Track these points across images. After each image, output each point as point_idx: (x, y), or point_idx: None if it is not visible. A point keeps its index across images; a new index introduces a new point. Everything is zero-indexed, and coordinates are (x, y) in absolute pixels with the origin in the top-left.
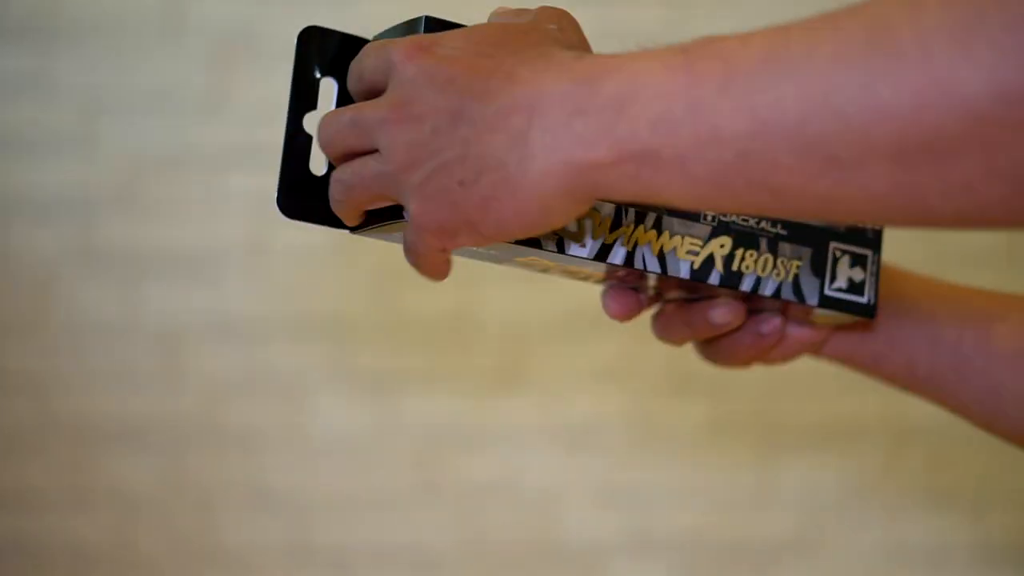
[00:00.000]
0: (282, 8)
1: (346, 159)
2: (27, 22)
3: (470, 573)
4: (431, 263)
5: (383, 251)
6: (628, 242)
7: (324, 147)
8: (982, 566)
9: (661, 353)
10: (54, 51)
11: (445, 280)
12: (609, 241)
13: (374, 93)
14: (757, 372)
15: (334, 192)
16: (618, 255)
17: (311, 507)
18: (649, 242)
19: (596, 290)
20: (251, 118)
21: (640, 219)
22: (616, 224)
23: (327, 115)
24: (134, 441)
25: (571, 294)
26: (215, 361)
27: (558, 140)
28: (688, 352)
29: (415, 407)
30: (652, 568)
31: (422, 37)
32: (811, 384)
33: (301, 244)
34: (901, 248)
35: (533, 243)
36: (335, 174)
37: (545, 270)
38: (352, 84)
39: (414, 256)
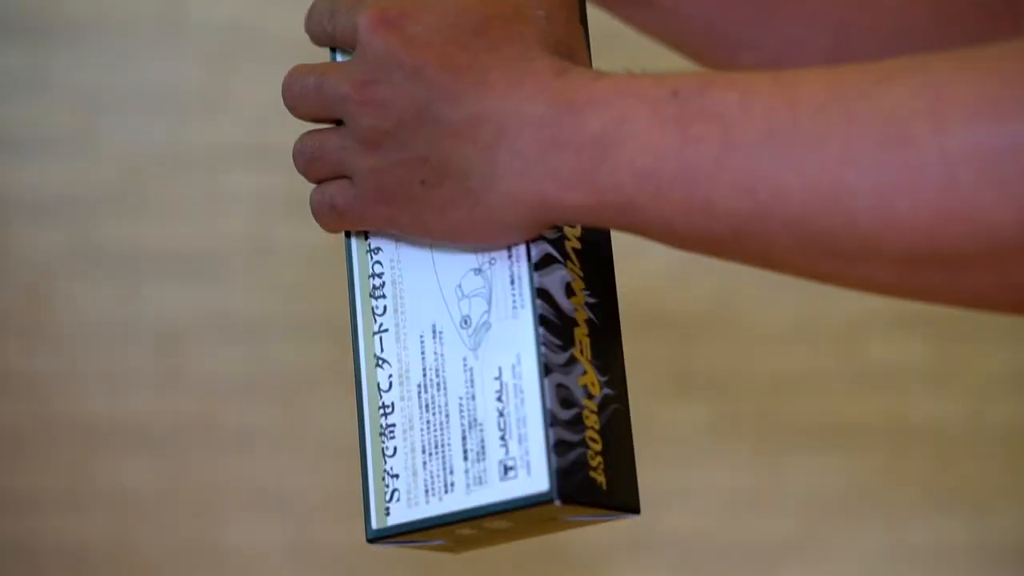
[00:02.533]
0: (282, 8)
1: (311, 119)
2: (25, 20)
3: (470, 573)
4: (346, 227)
5: None
6: None
7: (288, 104)
8: (983, 567)
9: (662, 353)
10: (52, 49)
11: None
12: None
13: (337, 44)
14: (758, 373)
15: (296, 162)
16: None
17: (311, 507)
18: None
19: None
20: (251, 118)
21: None
22: None
23: (294, 69)
24: (134, 441)
25: None
26: (215, 361)
27: (529, 169)
28: (689, 352)
29: None
30: (652, 568)
31: (391, 5)
32: (812, 385)
33: (301, 244)
34: None
35: None
36: (296, 144)
37: None
38: (314, 25)
39: (337, 215)
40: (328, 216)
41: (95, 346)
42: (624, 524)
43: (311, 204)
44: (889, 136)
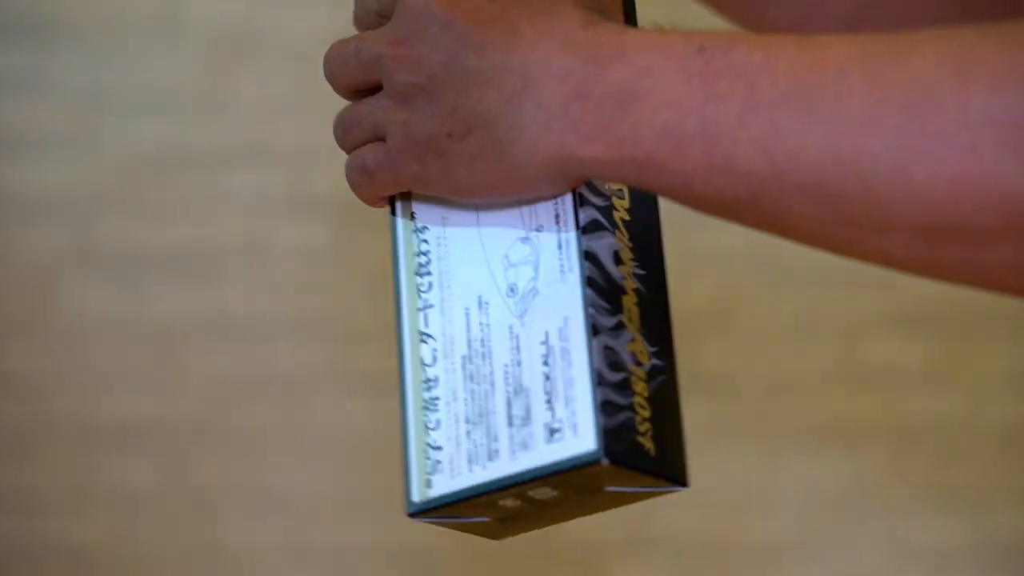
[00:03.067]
0: (282, 8)
1: (351, 94)
2: (25, 20)
3: (469, 573)
4: (379, 191)
5: (383, 251)
6: None
7: (329, 76)
8: (983, 567)
9: None
10: (53, 49)
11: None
12: None
13: (382, 16)
14: (758, 373)
15: (336, 133)
16: None
17: (311, 507)
18: None
19: None
20: (251, 118)
21: None
22: None
23: (334, 44)
24: (134, 441)
25: None
26: (215, 361)
27: (552, 120)
28: (689, 352)
29: None
30: (652, 568)
31: None
32: (812, 385)
33: (301, 244)
34: None
35: None
36: (336, 117)
37: None
38: (360, 8)
39: (369, 178)
40: (360, 180)
41: (95, 346)
42: (624, 524)
43: (346, 174)
44: (912, 100)
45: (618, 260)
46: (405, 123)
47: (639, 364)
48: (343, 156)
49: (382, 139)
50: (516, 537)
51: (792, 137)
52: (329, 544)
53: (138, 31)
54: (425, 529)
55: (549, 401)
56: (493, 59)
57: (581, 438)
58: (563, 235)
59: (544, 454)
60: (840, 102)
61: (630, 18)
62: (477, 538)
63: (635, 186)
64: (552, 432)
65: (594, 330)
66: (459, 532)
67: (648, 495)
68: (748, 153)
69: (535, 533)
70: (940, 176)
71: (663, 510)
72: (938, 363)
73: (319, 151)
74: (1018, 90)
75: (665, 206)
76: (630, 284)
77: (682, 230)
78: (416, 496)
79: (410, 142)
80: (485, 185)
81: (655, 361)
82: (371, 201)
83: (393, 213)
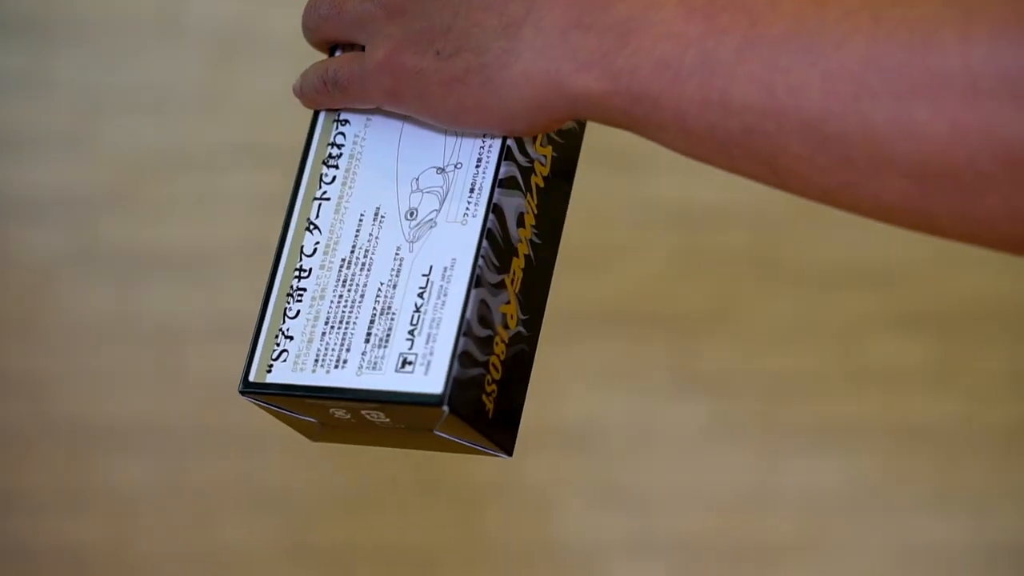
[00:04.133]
0: (282, 8)
1: (331, 37)
2: (24, 19)
3: (470, 573)
4: (344, 104)
5: None
6: None
7: (316, 23)
8: (983, 567)
9: (662, 353)
10: (52, 49)
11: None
12: None
13: None
14: (758, 373)
15: (308, 17)
16: None
17: (311, 507)
18: None
19: (597, 290)
20: (251, 118)
21: None
22: None
23: None
24: (133, 442)
25: (571, 294)
26: (215, 361)
27: (549, 47)
28: (689, 352)
29: None
30: (652, 568)
31: None
32: (812, 385)
33: None
34: (902, 247)
35: None
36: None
37: None
38: None
39: (339, 90)
40: (324, 90)
41: (95, 346)
42: (623, 524)
43: (303, 79)
44: (914, 40)
45: (520, 222)
46: (391, 36)
47: (506, 327)
48: None
49: (358, 47)
50: (516, 537)
51: (792, 73)
52: (329, 544)
53: (138, 31)
54: (425, 529)
55: (412, 333)
56: None
57: (430, 378)
58: (478, 179)
59: (390, 381)
60: (842, 41)
61: None
62: (477, 538)
63: (624, 126)
64: (404, 363)
65: (477, 281)
66: (288, 426)
67: (471, 450)
68: (745, 87)
69: (536, 533)
70: (940, 118)
71: (663, 510)
72: (938, 363)
73: None
74: (1021, 37)
75: (662, 204)
76: (523, 249)
77: (682, 232)
78: (253, 377)
79: (391, 58)
80: (460, 110)
81: (521, 329)
82: (324, 108)
83: None
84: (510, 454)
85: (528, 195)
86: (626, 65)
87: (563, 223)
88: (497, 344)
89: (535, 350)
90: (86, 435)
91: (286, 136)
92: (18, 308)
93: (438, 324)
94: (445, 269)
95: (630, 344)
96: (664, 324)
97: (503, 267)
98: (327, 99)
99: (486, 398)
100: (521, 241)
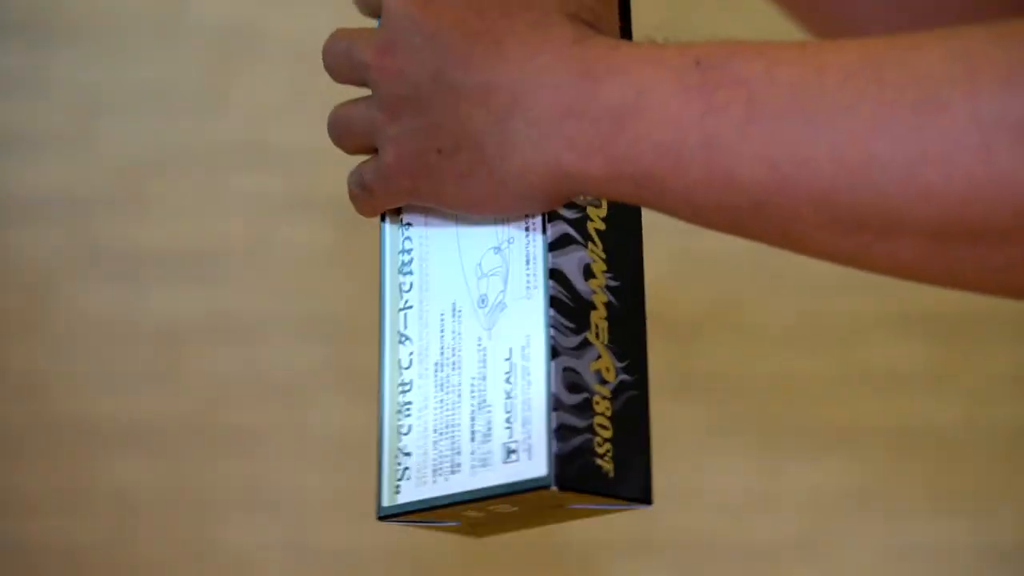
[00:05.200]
0: (282, 8)
1: (347, 83)
2: (24, 19)
3: (470, 573)
4: (378, 206)
5: None
6: None
7: (326, 69)
8: (984, 568)
9: (662, 354)
10: (52, 49)
11: None
12: None
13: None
14: (758, 373)
15: (330, 134)
16: None
17: (311, 507)
18: None
19: None
20: (251, 118)
21: None
22: None
23: (333, 33)
24: (133, 442)
25: None
26: (215, 361)
27: (546, 139)
28: (689, 352)
29: None
30: (652, 568)
31: None
32: (812, 385)
33: (301, 244)
34: None
35: None
36: (330, 116)
37: None
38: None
39: (368, 194)
40: (360, 195)
41: (95, 346)
42: (624, 524)
43: (348, 189)
44: (921, 102)
45: (589, 274)
46: (394, 138)
47: (604, 382)
48: (342, 156)
49: (376, 150)
50: (516, 537)
51: (798, 148)
52: (329, 544)
53: (137, 31)
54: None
55: (508, 420)
56: (480, 75)
57: (535, 462)
58: (531, 249)
59: (500, 474)
60: (847, 110)
61: (626, 30)
62: (476, 539)
63: (633, 203)
64: (509, 452)
65: (554, 352)
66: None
67: (613, 510)
68: (751, 165)
69: (536, 533)
70: (953, 178)
71: (663, 510)
72: (939, 365)
73: (319, 151)
74: None
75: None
76: (600, 298)
77: (682, 233)
78: (385, 501)
79: (400, 159)
80: (474, 201)
81: (623, 377)
82: (371, 215)
83: (382, 216)
84: (649, 503)
85: (590, 244)
86: (628, 152)
87: (642, 252)
88: (598, 403)
89: (647, 391)
90: (86, 435)
91: (286, 136)
92: (18, 308)
93: (528, 406)
94: (523, 348)
95: None
96: (664, 324)
97: (580, 326)
98: (367, 204)
99: (601, 461)
100: (595, 292)
